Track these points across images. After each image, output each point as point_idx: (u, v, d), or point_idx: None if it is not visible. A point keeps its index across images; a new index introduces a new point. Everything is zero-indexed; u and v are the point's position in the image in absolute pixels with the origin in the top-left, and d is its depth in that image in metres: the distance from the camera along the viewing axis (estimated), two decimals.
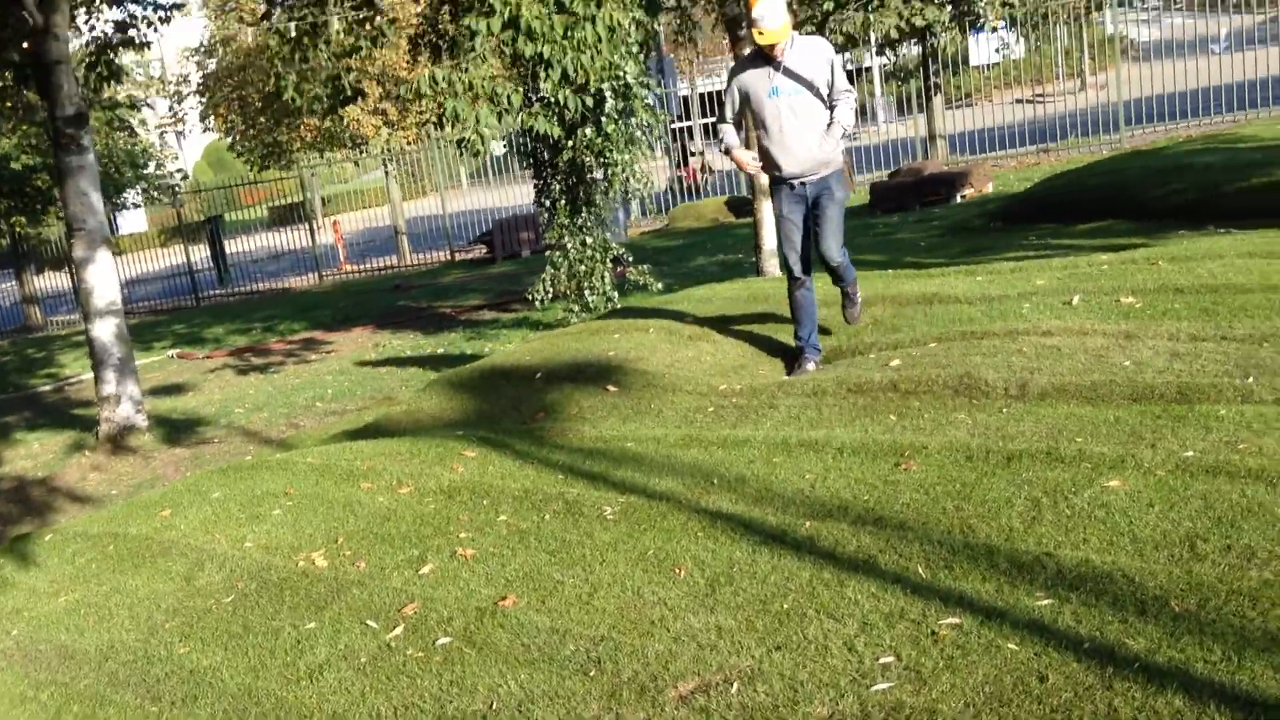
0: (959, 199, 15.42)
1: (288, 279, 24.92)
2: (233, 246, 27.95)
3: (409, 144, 24.64)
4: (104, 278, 9.34)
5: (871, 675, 2.97)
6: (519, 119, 9.97)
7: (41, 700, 3.75)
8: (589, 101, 9.36)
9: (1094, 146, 18.57)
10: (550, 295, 10.88)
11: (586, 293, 10.82)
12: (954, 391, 5.12)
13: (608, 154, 10.27)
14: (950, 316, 6.47)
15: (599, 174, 10.72)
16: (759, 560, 3.80)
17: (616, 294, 10.96)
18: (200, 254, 26.59)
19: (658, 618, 3.54)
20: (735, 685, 3.05)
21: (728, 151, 6.05)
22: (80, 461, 9.18)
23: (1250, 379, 4.47)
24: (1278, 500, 3.43)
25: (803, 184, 5.85)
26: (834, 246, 5.86)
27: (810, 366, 6.10)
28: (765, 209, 10.04)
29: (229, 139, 27.90)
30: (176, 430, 9.76)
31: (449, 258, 22.46)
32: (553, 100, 9.29)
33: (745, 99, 5.88)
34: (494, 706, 3.20)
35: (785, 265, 6.13)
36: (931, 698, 2.82)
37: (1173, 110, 18.80)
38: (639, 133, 10.66)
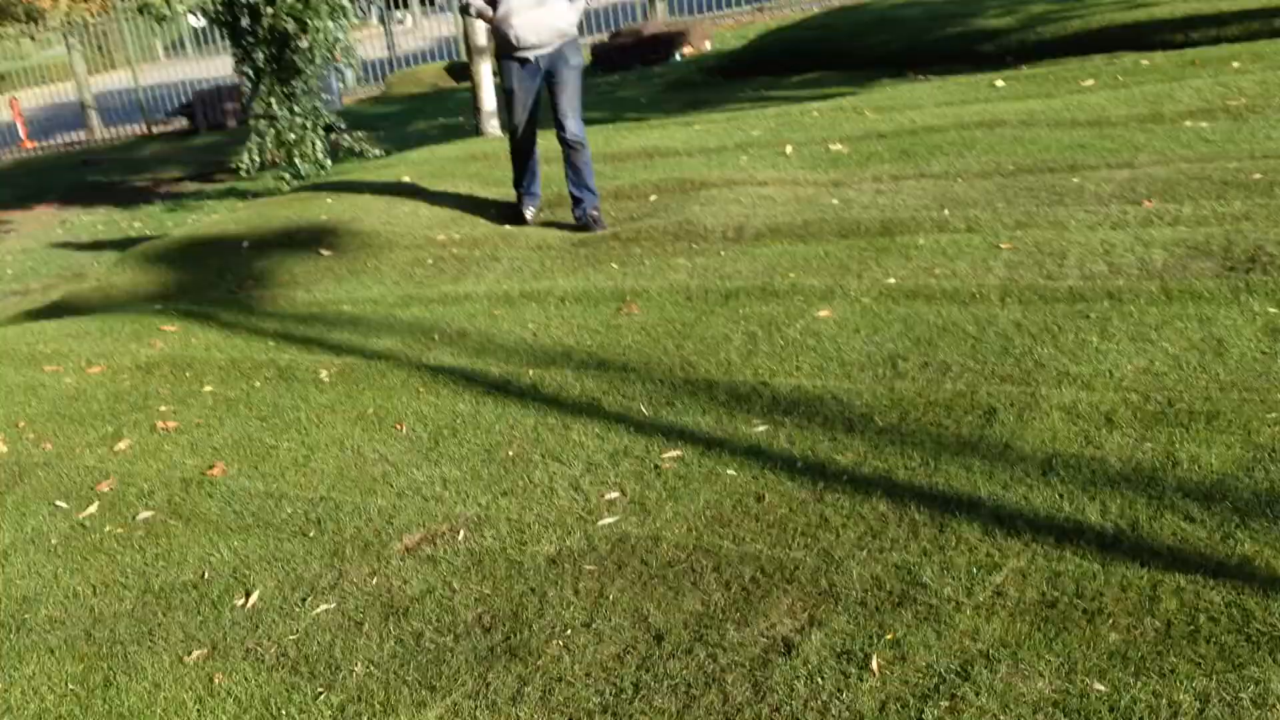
0: (678, 57, 15.45)
1: None
2: None
3: (93, 16, 22.38)
4: None
5: (598, 511, 2.97)
6: None
7: None
8: None
9: (804, 4, 18.99)
10: (258, 164, 10.22)
11: (298, 160, 10.23)
12: (674, 237, 5.15)
13: (309, 20, 9.63)
14: (670, 168, 6.48)
15: (304, 42, 10.05)
16: (483, 411, 3.71)
17: (330, 162, 10.41)
18: None
19: (380, 475, 3.41)
20: (462, 533, 2.98)
21: (478, 14, 5.67)
22: None
23: (945, 210, 4.69)
24: (969, 318, 3.63)
25: (538, 58, 5.58)
26: (573, 119, 5.60)
27: (529, 214, 5.98)
28: (484, 70, 9.68)
29: None
30: None
31: (145, 131, 20.70)
32: None
33: None
34: (206, 575, 3.00)
35: (513, 133, 5.89)
36: (656, 526, 2.84)
37: None
38: (345, 1, 10.04)
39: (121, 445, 3.90)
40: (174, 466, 3.67)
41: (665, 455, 3.17)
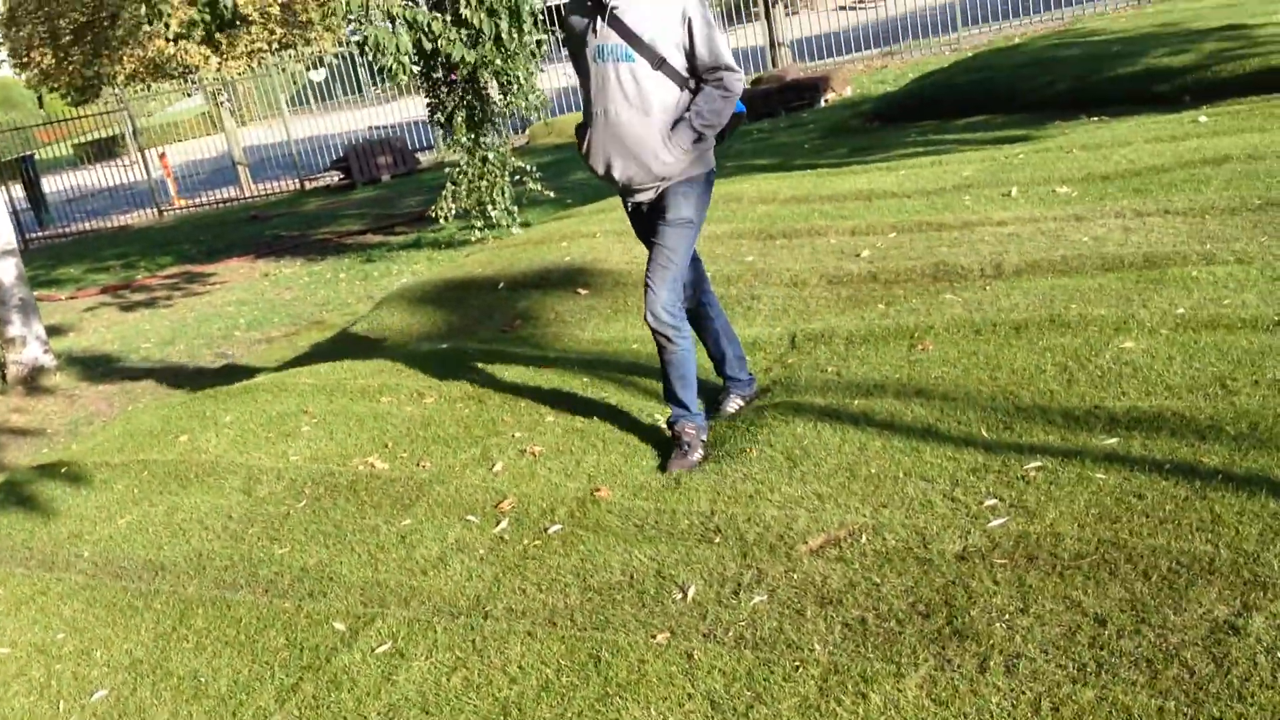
0: (823, 103, 15.94)
1: (117, 216, 23.71)
2: (46, 186, 26.38)
3: (239, 74, 23.67)
4: None
5: (983, 515, 3.36)
6: (418, 41, 9.93)
7: (156, 609, 3.80)
8: (502, 24, 9.38)
9: (934, 49, 19.37)
10: (453, 211, 10.90)
11: (490, 208, 10.88)
12: (933, 277, 5.55)
13: (509, 72, 10.31)
14: (894, 209, 6.90)
15: (494, 92, 10.75)
16: (824, 435, 4.09)
17: (516, 208, 11.04)
18: (16, 195, 25.01)
19: (753, 491, 3.80)
20: (864, 537, 3.40)
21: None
22: None
23: (1207, 244, 5.04)
24: None
25: (637, 203, 4.13)
26: (660, 293, 3.98)
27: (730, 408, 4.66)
28: None
29: (22, 76, 26.36)
30: (89, 368, 9.42)
31: (299, 186, 21.78)
32: (463, 23, 9.27)
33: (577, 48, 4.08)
34: (634, 576, 3.46)
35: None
36: (1048, 524, 3.22)
37: (1004, 8, 19.72)
38: (531, 49, 10.70)
39: (498, 468, 4.40)
40: (558, 488, 4.15)
41: (1026, 467, 3.56)
